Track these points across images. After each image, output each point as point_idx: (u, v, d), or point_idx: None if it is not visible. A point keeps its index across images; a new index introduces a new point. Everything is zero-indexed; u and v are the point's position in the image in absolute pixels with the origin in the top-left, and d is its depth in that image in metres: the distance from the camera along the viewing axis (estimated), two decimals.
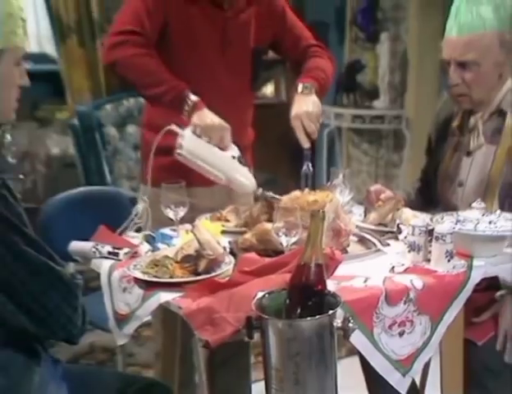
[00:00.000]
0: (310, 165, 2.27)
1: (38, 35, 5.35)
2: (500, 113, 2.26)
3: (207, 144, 2.20)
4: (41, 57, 5.24)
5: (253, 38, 2.48)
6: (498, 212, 2.05)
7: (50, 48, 5.34)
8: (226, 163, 2.21)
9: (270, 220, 2.04)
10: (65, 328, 1.66)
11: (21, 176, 4.29)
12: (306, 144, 2.32)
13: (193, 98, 2.22)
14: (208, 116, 2.21)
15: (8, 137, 4.13)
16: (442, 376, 2.05)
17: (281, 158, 5.28)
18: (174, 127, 2.20)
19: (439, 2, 4.95)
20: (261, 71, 2.61)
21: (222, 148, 2.23)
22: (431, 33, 4.98)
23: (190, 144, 2.19)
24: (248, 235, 2.02)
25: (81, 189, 2.95)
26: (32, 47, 5.19)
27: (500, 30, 2.18)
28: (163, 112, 2.33)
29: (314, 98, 2.38)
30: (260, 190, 2.19)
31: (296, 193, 2.10)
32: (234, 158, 2.23)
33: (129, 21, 2.31)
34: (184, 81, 2.26)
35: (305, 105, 2.34)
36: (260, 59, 2.56)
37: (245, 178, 2.22)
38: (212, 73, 2.38)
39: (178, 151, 2.20)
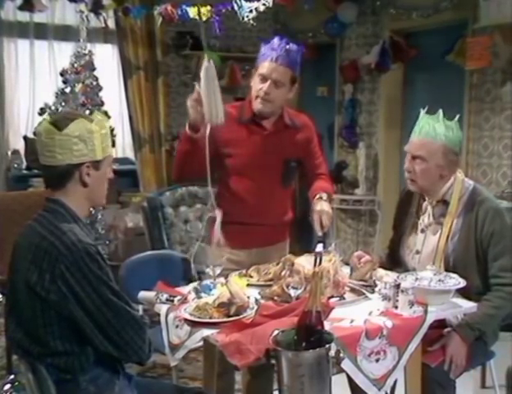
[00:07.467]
0: (322, 246, 2.08)
1: (123, 145, 5.43)
2: (444, 202, 2.24)
3: None
4: (124, 160, 5.33)
5: (286, 152, 2.43)
6: (444, 273, 2.04)
7: (130, 154, 5.42)
8: None
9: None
10: (137, 354, 1.64)
11: (107, 242, 4.31)
12: (319, 233, 2.28)
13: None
14: None
15: (99, 215, 4.19)
16: (406, 389, 2.02)
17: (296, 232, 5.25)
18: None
19: (398, 122, 5.04)
20: (290, 175, 2.52)
21: None
22: (393, 142, 5.05)
23: None
24: (275, 288, 1.98)
25: (148, 252, 2.91)
26: (118, 153, 5.28)
27: (445, 144, 2.16)
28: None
29: (328, 204, 2.37)
30: None
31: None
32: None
33: None
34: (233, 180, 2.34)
35: (325, 207, 2.32)
36: (290, 167, 2.48)
37: None
38: (251, 172, 2.35)
39: None
